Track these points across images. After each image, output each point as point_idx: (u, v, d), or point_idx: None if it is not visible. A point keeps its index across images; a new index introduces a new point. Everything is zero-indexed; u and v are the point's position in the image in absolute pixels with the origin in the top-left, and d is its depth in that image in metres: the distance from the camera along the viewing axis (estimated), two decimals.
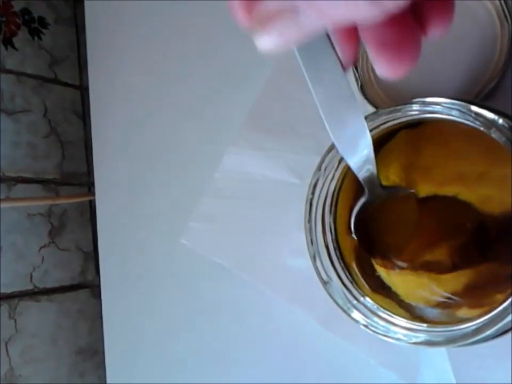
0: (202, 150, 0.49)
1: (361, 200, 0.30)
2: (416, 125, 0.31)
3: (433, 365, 0.35)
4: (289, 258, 0.41)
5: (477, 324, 0.24)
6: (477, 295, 0.28)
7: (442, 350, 0.35)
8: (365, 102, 0.38)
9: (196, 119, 0.50)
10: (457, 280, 0.29)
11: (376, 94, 0.37)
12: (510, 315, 0.23)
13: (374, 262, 0.32)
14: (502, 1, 0.33)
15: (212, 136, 0.48)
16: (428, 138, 0.31)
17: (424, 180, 0.30)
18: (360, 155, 0.25)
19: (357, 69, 0.38)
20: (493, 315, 0.24)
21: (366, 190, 0.29)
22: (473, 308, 0.28)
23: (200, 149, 0.49)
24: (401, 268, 0.31)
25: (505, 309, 0.23)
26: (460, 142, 0.30)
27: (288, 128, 0.43)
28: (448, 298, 0.29)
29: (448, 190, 0.30)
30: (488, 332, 0.23)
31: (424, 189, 0.30)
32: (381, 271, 0.31)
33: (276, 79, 0.43)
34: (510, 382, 0.31)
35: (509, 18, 0.34)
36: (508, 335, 0.25)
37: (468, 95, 0.34)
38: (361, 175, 0.27)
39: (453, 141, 0.30)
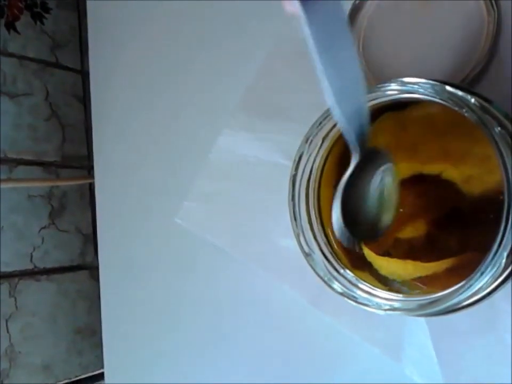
0: (198, 133, 0.50)
1: (352, 164, 0.27)
2: (400, 108, 0.31)
3: (415, 341, 0.36)
4: (280, 238, 0.42)
5: (446, 293, 0.25)
6: (455, 277, 0.29)
7: (424, 326, 0.36)
8: None
9: (192, 102, 0.51)
10: (440, 266, 0.30)
11: (366, 78, 0.38)
12: (478, 283, 0.24)
13: (362, 245, 0.32)
14: None
15: (207, 119, 0.49)
16: (413, 120, 0.31)
17: (409, 158, 0.31)
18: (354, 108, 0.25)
19: None
20: (462, 284, 0.25)
21: (357, 151, 0.27)
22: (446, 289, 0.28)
23: (195, 132, 0.50)
24: (388, 255, 0.32)
25: (474, 278, 0.24)
26: (444, 123, 0.30)
27: (280, 111, 0.43)
28: (426, 277, 0.30)
29: (433, 168, 0.30)
30: (456, 300, 0.24)
31: (411, 167, 0.31)
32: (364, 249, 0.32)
33: (268, 64, 0.44)
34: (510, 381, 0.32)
35: (495, 6, 0.35)
36: (480, 306, 0.26)
37: (454, 80, 0.35)
38: (352, 132, 0.26)
39: (438, 121, 0.30)
